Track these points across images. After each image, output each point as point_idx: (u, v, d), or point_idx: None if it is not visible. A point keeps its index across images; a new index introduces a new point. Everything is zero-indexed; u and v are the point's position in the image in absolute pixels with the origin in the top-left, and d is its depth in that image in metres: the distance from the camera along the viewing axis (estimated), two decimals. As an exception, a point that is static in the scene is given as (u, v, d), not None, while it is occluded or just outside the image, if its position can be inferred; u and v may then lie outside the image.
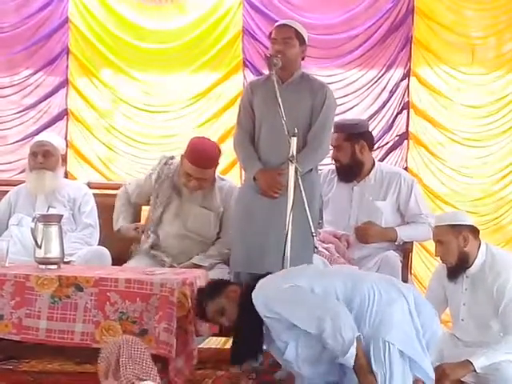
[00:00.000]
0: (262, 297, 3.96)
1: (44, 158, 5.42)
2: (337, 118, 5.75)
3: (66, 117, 7.06)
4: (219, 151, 5.33)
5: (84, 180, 6.46)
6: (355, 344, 3.81)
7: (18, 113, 7.12)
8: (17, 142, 7.02)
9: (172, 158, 5.43)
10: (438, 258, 4.58)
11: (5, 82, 7.13)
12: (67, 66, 7.01)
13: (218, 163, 5.34)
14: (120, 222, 5.37)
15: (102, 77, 7.06)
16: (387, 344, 3.83)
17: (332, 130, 5.18)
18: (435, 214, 5.11)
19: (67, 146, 6.99)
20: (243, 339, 4.02)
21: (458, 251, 4.41)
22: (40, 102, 7.06)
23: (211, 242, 5.33)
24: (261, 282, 4.05)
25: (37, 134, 6.76)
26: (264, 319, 3.95)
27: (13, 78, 7.12)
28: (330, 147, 5.29)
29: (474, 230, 4.46)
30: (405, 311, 3.93)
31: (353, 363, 3.83)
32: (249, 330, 3.98)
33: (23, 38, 7.00)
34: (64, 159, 5.61)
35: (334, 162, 5.46)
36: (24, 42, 7.00)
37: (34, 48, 7.01)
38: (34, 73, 7.05)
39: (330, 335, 3.82)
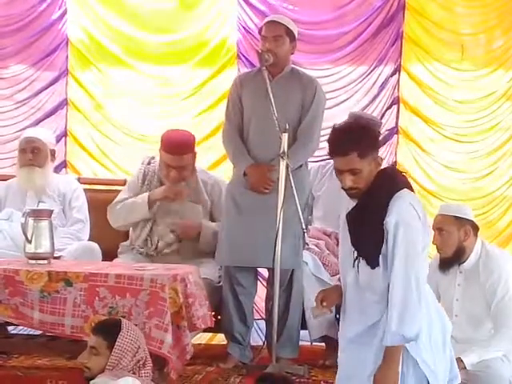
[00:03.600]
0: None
1: (33, 155, 5.39)
2: (327, 112, 5.77)
3: (66, 107, 7.02)
4: (193, 138, 5.37)
5: (83, 171, 6.51)
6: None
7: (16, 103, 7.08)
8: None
9: (153, 157, 5.45)
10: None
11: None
12: (67, 57, 6.98)
13: (194, 151, 5.34)
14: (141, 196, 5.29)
15: (101, 68, 7.03)
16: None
17: (322, 125, 5.17)
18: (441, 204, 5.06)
19: (67, 135, 6.96)
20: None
21: (457, 243, 4.43)
22: (39, 92, 7.03)
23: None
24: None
25: (37, 124, 6.83)
26: None
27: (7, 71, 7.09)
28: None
29: (475, 227, 4.48)
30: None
31: (391, 344, 3.29)
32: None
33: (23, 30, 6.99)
34: (53, 154, 5.56)
35: None
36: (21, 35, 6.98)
37: (32, 40, 6.97)
38: (32, 65, 7.02)
39: (402, 305, 3.28)
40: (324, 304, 3.52)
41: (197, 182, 5.35)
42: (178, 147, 5.23)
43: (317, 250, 5.18)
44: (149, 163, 5.42)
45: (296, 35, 5.02)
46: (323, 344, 5.22)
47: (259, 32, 5.07)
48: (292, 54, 5.07)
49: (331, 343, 5.13)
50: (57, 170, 6.69)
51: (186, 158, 5.23)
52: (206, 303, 4.57)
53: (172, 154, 5.19)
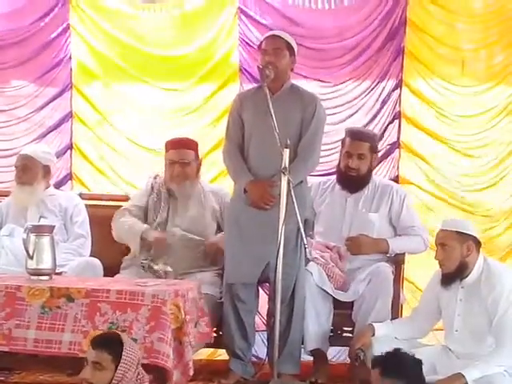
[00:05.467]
0: None
1: (22, 173, 5.47)
2: (330, 128, 5.80)
3: (70, 120, 7.03)
4: (196, 142, 5.58)
5: (89, 184, 6.53)
6: None
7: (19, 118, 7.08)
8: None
9: (157, 174, 5.58)
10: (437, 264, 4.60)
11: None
12: (70, 72, 7.00)
13: (198, 153, 5.52)
14: (139, 225, 5.36)
15: (105, 82, 7.03)
16: None
17: (322, 141, 5.19)
18: (442, 220, 5.09)
19: (72, 148, 6.98)
20: None
21: (459, 259, 4.44)
22: (44, 106, 7.03)
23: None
24: None
25: (43, 137, 6.81)
26: None
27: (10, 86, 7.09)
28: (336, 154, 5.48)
29: (478, 243, 4.50)
30: None
31: None
32: None
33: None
34: (47, 170, 5.58)
35: (348, 170, 5.34)
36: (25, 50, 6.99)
37: (34, 54, 6.99)
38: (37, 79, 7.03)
39: None
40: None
41: (203, 190, 5.49)
42: (180, 142, 5.53)
43: (322, 261, 5.19)
44: (155, 177, 5.55)
45: (296, 51, 5.06)
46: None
47: (259, 47, 5.10)
48: (292, 70, 5.10)
49: (321, 357, 5.16)
50: (63, 182, 6.72)
51: (188, 153, 5.42)
52: (201, 320, 4.57)
53: (174, 148, 5.43)
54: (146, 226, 5.36)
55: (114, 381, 3.47)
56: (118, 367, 3.46)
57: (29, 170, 5.47)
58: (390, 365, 3.56)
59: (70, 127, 6.98)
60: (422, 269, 6.26)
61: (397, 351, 3.67)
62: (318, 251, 5.22)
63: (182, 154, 5.41)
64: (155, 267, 5.23)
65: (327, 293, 5.12)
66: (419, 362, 3.62)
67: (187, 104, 6.95)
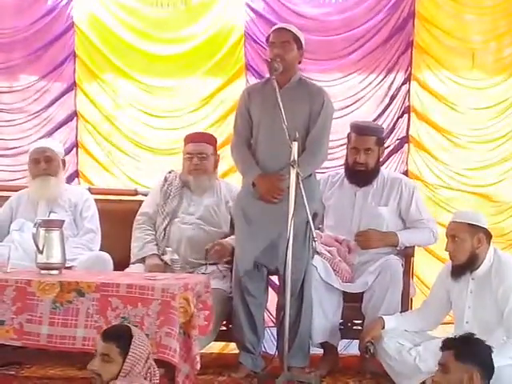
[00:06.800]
0: None
1: (46, 164, 5.47)
2: (338, 122, 5.79)
3: (75, 118, 7.05)
4: (215, 138, 5.67)
5: (95, 181, 6.55)
6: None
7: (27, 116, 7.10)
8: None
9: (172, 170, 5.64)
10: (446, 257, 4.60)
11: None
12: (74, 70, 7.01)
13: (216, 149, 5.58)
14: (149, 247, 5.38)
15: (108, 80, 7.05)
16: None
17: (329, 136, 5.18)
18: (457, 210, 5.06)
19: (78, 146, 6.99)
20: None
21: (470, 251, 4.44)
22: (49, 105, 7.06)
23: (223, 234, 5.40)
24: None
25: (49, 135, 6.85)
26: None
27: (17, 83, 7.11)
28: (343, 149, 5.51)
29: (489, 235, 4.49)
30: None
31: None
32: None
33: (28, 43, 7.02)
34: (64, 163, 5.63)
35: (356, 165, 5.33)
36: (29, 47, 7.01)
37: (40, 52, 7.01)
38: (41, 78, 7.05)
39: None
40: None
41: (219, 184, 5.53)
42: (199, 135, 5.72)
43: (328, 255, 5.19)
44: (169, 172, 5.61)
45: (303, 44, 5.04)
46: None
47: (267, 40, 5.09)
48: (299, 63, 5.09)
49: (330, 350, 5.16)
50: (69, 180, 6.74)
51: (207, 146, 5.49)
52: (202, 312, 4.59)
53: (193, 141, 5.50)
54: (153, 250, 5.36)
55: (121, 374, 3.47)
56: (126, 360, 3.47)
57: (52, 162, 5.48)
58: (466, 349, 3.51)
59: (76, 125, 7.01)
60: (428, 264, 6.32)
61: (472, 336, 3.62)
62: (324, 246, 5.22)
63: (201, 147, 5.47)
64: (164, 258, 5.25)
65: (334, 287, 5.12)
66: (490, 349, 3.59)
67: (193, 101, 6.97)
